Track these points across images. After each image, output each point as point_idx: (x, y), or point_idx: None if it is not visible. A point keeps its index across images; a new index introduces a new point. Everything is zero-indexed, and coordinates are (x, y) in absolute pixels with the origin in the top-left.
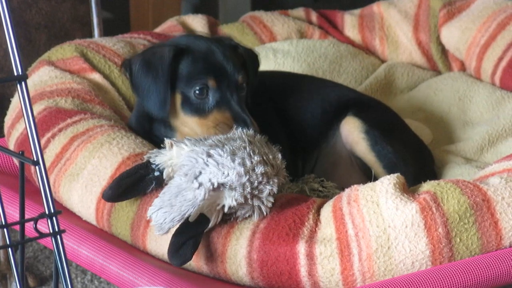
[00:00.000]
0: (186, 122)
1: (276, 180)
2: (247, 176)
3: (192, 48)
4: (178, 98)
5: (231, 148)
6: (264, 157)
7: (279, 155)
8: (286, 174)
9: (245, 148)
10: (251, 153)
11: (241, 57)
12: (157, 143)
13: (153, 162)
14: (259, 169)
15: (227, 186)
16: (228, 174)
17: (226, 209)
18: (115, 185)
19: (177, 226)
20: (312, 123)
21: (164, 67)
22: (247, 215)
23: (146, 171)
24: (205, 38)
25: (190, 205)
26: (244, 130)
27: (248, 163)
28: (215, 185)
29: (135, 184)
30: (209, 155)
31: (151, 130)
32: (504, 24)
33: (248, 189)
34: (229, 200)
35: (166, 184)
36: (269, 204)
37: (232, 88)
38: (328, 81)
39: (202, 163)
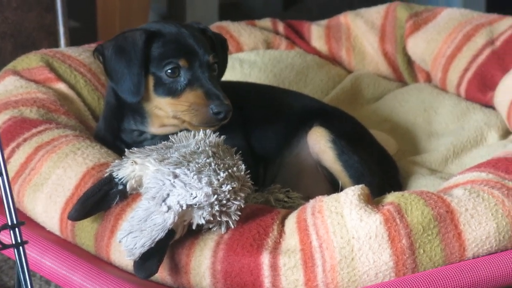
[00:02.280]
0: (160, 104)
1: (242, 195)
2: (215, 196)
3: (163, 31)
4: (151, 81)
5: (196, 166)
6: (229, 171)
7: (242, 166)
8: (251, 184)
9: (210, 164)
10: (217, 169)
11: (210, 39)
12: (123, 150)
13: (116, 176)
14: (227, 187)
15: (196, 206)
16: (196, 195)
17: (194, 227)
18: (80, 206)
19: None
20: (276, 131)
21: (137, 51)
22: (214, 229)
23: (110, 186)
24: (174, 23)
25: (160, 229)
26: (207, 141)
27: (215, 181)
28: (184, 207)
29: (100, 201)
30: (175, 176)
31: (121, 129)
32: (470, 36)
33: (217, 207)
34: (197, 218)
35: (130, 195)
36: (237, 218)
37: (203, 67)
38: (293, 91)
39: (169, 185)
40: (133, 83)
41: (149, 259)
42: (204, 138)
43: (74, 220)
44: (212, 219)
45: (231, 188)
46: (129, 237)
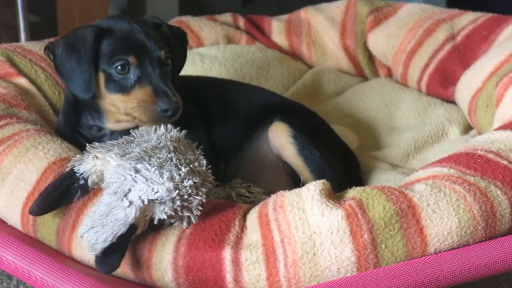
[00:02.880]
0: (112, 101)
1: (204, 190)
2: (177, 191)
3: (114, 28)
4: (102, 77)
5: (158, 160)
6: (191, 166)
7: (203, 160)
8: (212, 179)
9: (171, 159)
10: (178, 164)
11: (165, 35)
12: (84, 145)
13: (77, 171)
14: (188, 182)
15: (157, 201)
16: (158, 190)
17: (155, 222)
18: (42, 201)
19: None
20: (235, 126)
21: (87, 48)
22: (175, 224)
23: (71, 180)
24: (128, 19)
25: (121, 224)
26: (168, 136)
27: (176, 176)
28: (145, 202)
29: (61, 195)
30: (136, 171)
31: (79, 125)
32: (431, 31)
33: (178, 202)
34: (159, 213)
35: (92, 189)
36: (198, 213)
37: (154, 63)
38: (253, 86)
39: (131, 180)
40: (83, 80)
41: (110, 254)
42: (165, 133)
43: (36, 215)
44: (173, 214)
45: (192, 183)
46: (90, 232)
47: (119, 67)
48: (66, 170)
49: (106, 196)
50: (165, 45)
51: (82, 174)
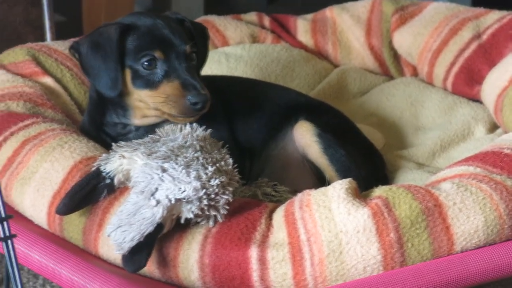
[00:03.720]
0: (139, 97)
1: (231, 189)
2: (204, 190)
3: (138, 24)
4: (128, 74)
5: (184, 160)
6: (217, 165)
7: (230, 159)
8: (238, 178)
9: (198, 158)
10: (205, 163)
11: (188, 30)
12: (109, 144)
13: (104, 170)
14: (215, 181)
15: (184, 200)
16: (185, 189)
17: (182, 221)
18: (68, 201)
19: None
20: (260, 124)
21: (112, 45)
22: (202, 222)
23: (97, 180)
24: (150, 14)
25: (149, 223)
26: (194, 135)
27: (203, 175)
28: (173, 201)
29: (87, 195)
30: (163, 170)
31: (104, 123)
32: (456, 30)
33: (205, 202)
34: (186, 212)
35: (118, 188)
36: (225, 212)
37: (180, 58)
38: (278, 85)
39: (158, 179)
40: (110, 78)
41: (137, 253)
42: (191, 132)
43: (62, 214)
44: (200, 213)
45: (219, 182)
46: (118, 231)
47: (146, 63)
48: (92, 169)
49: (133, 195)
50: (190, 40)
51: (108, 173)
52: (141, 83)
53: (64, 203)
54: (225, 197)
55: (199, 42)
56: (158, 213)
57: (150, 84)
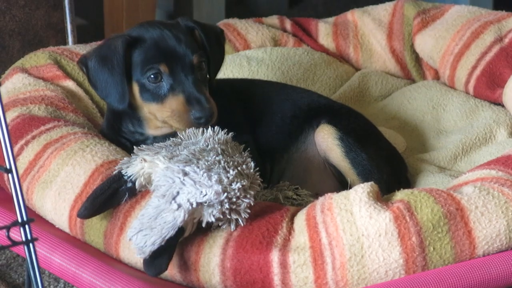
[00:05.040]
0: (149, 109)
1: (252, 192)
2: (225, 194)
3: (144, 36)
4: (136, 87)
5: (206, 163)
6: (239, 168)
7: (251, 163)
8: (260, 181)
9: (219, 162)
10: (226, 167)
11: (198, 37)
12: (129, 148)
13: (125, 174)
14: (236, 185)
15: (206, 204)
16: (206, 193)
17: (203, 224)
18: (90, 204)
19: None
20: (282, 127)
21: (119, 59)
22: (223, 226)
23: (119, 183)
24: (159, 24)
25: (170, 227)
26: (216, 138)
27: (224, 179)
28: (194, 205)
29: (109, 198)
30: (185, 174)
31: (122, 130)
32: (478, 33)
33: (226, 205)
34: (207, 216)
35: (139, 192)
36: (246, 216)
37: (186, 70)
38: (300, 88)
39: (179, 183)
40: (117, 91)
41: (158, 257)
42: (213, 135)
43: (84, 218)
44: (221, 216)
45: (240, 186)
46: (139, 235)
47: (152, 76)
48: (114, 173)
49: (155, 199)
50: (199, 49)
51: (130, 177)
52: (148, 96)
53: (85, 207)
54: (247, 200)
55: (213, 47)
56: (179, 217)
57: (156, 97)
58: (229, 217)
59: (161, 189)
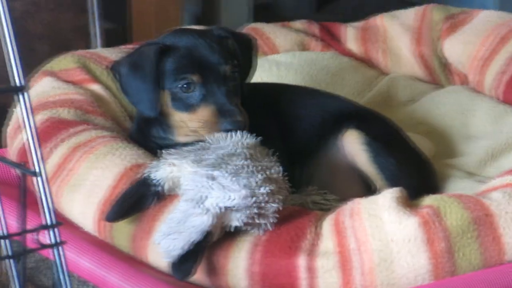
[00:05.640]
0: (179, 118)
1: (280, 197)
2: (253, 198)
3: (178, 44)
4: (168, 96)
5: (234, 168)
6: (267, 173)
7: (279, 168)
8: (288, 186)
9: (247, 166)
10: (255, 171)
11: (231, 47)
12: (157, 152)
13: (153, 178)
14: (265, 189)
15: (234, 209)
16: (235, 197)
17: (232, 229)
18: (118, 208)
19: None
20: (310, 132)
21: (151, 67)
22: (252, 231)
23: (147, 187)
24: (192, 32)
25: (198, 231)
26: (244, 142)
27: (253, 183)
28: (222, 209)
29: (136, 202)
30: (213, 178)
31: (151, 136)
32: (507, 38)
33: (254, 210)
34: (235, 221)
35: (167, 196)
36: (274, 220)
37: (219, 80)
38: (327, 92)
39: (207, 187)
40: (148, 98)
41: (186, 261)
42: (241, 140)
43: (112, 221)
44: (249, 221)
45: (269, 191)
46: (167, 239)
47: (184, 86)
48: (142, 176)
49: (183, 203)
50: (231, 59)
51: (158, 180)
52: (180, 105)
53: (113, 211)
54: (275, 205)
55: (245, 56)
56: (207, 221)
57: (188, 107)
58: (257, 221)
59: (189, 193)
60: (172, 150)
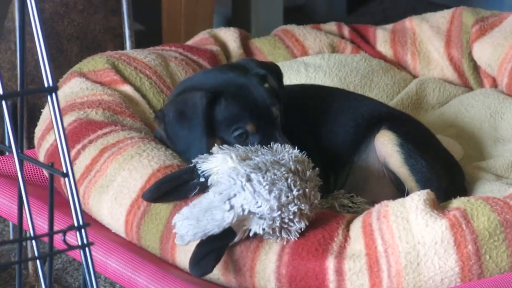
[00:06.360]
0: None
1: (307, 220)
2: (279, 212)
3: (223, 91)
4: (219, 142)
5: (272, 176)
6: (306, 191)
7: (318, 194)
8: (318, 206)
9: (286, 179)
10: (292, 186)
11: (271, 83)
12: None
13: (199, 168)
14: (294, 207)
15: (258, 215)
16: (261, 205)
17: (251, 234)
18: (155, 189)
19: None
20: (345, 137)
21: (199, 115)
22: (272, 239)
23: (191, 176)
24: (232, 72)
25: (216, 225)
26: (293, 155)
27: (283, 198)
28: (246, 212)
29: (177, 188)
30: (248, 179)
31: None
32: None
33: (278, 223)
34: (256, 227)
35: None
36: (296, 237)
37: (270, 125)
38: (359, 95)
39: (239, 186)
40: (197, 148)
41: (204, 258)
42: (292, 152)
43: (147, 200)
44: (271, 232)
45: (297, 210)
46: (184, 222)
47: (237, 136)
48: (189, 165)
49: (211, 193)
50: (276, 97)
51: (203, 171)
52: None
53: (149, 190)
54: (299, 225)
55: (279, 87)
56: (228, 218)
57: None
58: (278, 234)
59: (221, 187)
60: (225, 146)
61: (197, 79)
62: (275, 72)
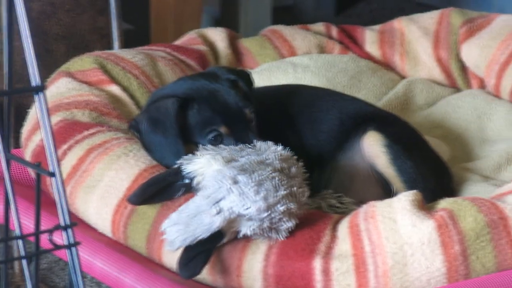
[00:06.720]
0: None
1: (296, 219)
2: (267, 212)
3: (194, 96)
4: (194, 147)
5: (258, 178)
6: (292, 190)
7: (307, 192)
8: (308, 203)
9: (273, 179)
10: (279, 185)
11: (243, 88)
12: None
13: (184, 169)
14: (282, 207)
15: (246, 217)
16: (249, 206)
17: (240, 235)
18: (140, 192)
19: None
20: (329, 134)
21: (171, 121)
22: (261, 239)
23: (176, 178)
24: (203, 79)
25: (205, 229)
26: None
27: (271, 198)
28: (234, 214)
29: (162, 190)
30: (235, 182)
31: None
32: None
33: (267, 223)
34: (245, 228)
35: (195, 191)
36: (285, 237)
37: (244, 126)
38: (346, 95)
39: (226, 189)
40: (172, 153)
41: (193, 260)
42: (276, 150)
43: (133, 204)
44: (260, 233)
45: (286, 209)
46: (173, 228)
47: (212, 138)
48: (174, 167)
49: (198, 197)
50: (248, 100)
51: (188, 173)
52: None
53: (135, 193)
54: (288, 224)
55: (251, 91)
56: (216, 222)
57: None
58: (267, 235)
59: (207, 190)
60: (210, 146)
61: (169, 88)
62: (245, 78)
